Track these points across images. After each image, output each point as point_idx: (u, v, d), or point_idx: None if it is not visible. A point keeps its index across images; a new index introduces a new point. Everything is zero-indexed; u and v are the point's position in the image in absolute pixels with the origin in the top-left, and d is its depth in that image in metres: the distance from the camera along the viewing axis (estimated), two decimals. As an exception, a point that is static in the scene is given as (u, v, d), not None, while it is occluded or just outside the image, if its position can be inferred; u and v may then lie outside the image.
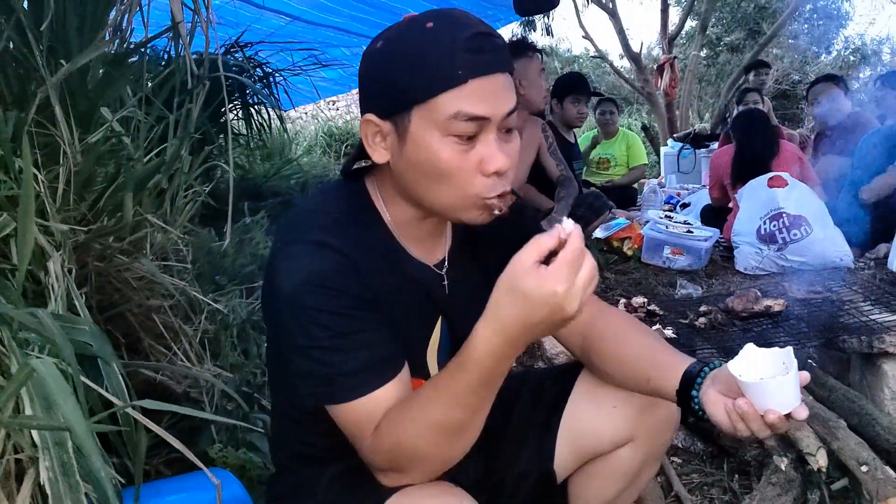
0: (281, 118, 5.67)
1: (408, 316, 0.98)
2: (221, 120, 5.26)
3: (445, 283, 1.04)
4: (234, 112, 5.26)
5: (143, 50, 2.11)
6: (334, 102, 12.36)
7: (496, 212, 0.93)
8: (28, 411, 0.82)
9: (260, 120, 5.31)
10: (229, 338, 2.35)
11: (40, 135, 1.79)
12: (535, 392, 1.19)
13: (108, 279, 1.92)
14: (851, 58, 14.64)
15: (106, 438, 1.13)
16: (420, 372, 1.01)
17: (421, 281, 1.01)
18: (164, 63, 3.11)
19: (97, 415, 0.92)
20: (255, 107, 5.24)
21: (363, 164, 1.02)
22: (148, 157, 2.18)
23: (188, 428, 1.94)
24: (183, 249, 2.38)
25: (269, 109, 5.32)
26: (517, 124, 2.70)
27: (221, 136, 5.05)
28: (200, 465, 1.05)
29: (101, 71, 2.02)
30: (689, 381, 0.96)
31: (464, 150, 0.87)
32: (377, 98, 0.90)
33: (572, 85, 4.00)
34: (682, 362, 0.99)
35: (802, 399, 0.84)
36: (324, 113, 11.94)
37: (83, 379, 0.96)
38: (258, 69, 5.19)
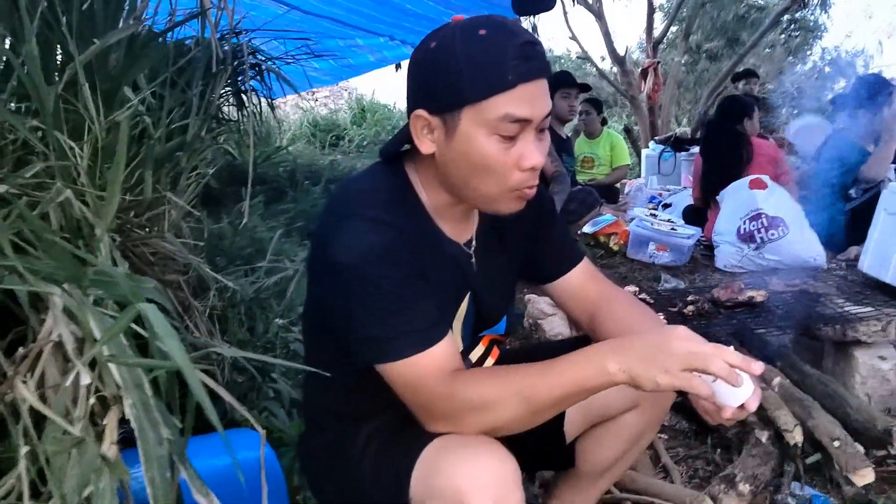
0: (271, 106, 5.72)
1: (443, 287, 1.08)
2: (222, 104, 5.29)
3: (473, 260, 1.14)
4: (226, 98, 5.30)
5: (168, 34, 2.17)
6: (314, 92, 12.35)
7: (525, 200, 1.04)
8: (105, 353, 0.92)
9: (251, 107, 5.36)
10: (237, 315, 2.43)
11: (66, 111, 1.86)
12: (549, 357, 1.30)
13: (126, 254, 2.00)
14: (827, 69, 14.99)
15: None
16: None
17: (454, 258, 1.11)
18: (181, 46, 3.17)
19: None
20: (246, 94, 5.29)
21: (405, 148, 1.12)
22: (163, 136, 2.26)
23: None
24: (187, 229, 2.46)
25: (260, 97, 5.37)
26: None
27: (215, 120, 5.10)
28: (248, 416, 1.15)
29: (125, 52, 2.09)
30: None
31: (506, 147, 0.96)
32: (430, 96, 0.99)
33: (560, 80, 4.14)
34: None
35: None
36: (306, 102, 11.93)
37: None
38: (251, 56, 5.24)
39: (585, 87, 4.45)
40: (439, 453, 0.96)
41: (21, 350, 0.88)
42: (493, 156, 0.97)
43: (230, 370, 2.13)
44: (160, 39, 2.20)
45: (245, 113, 5.42)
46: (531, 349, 1.40)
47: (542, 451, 1.29)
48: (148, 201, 2.06)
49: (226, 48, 2.44)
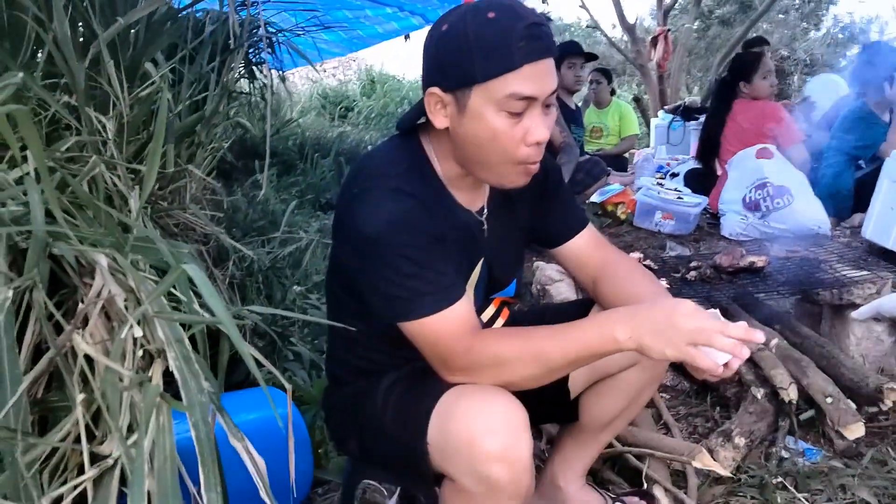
0: (283, 78, 5.77)
1: (458, 253, 1.16)
2: (225, 79, 5.33)
3: (485, 227, 1.22)
4: (238, 70, 5.35)
5: (185, 12, 2.24)
6: (323, 64, 12.34)
7: (532, 175, 1.11)
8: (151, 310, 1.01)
9: (262, 80, 5.41)
10: (255, 283, 2.53)
11: (91, 87, 1.94)
12: (556, 318, 1.38)
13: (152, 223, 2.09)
14: (840, 35, 14.81)
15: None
16: None
17: (467, 225, 1.19)
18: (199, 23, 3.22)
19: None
20: (258, 65, 5.34)
21: (421, 121, 1.19)
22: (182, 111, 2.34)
23: (228, 360, 2.13)
24: (204, 201, 2.55)
25: (270, 70, 5.41)
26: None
27: (227, 94, 5.15)
28: (277, 373, 1.24)
29: (145, 29, 2.16)
30: None
31: (513, 123, 1.03)
32: (442, 75, 1.06)
33: (566, 50, 4.16)
34: (663, 298, 1.18)
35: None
36: (315, 73, 11.92)
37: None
38: (261, 29, 5.27)
39: (592, 57, 4.47)
40: (455, 400, 1.04)
41: (79, 307, 0.97)
42: (500, 131, 1.04)
43: (251, 335, 2.23)
44: (178, 16, 2.26)
45: (256, 86, 5.48)
46: (540, 311, 1.49)
47: (548, 405, 1.37)
48: (170, 174, 2.15)
49: (238, 21, 2.49)
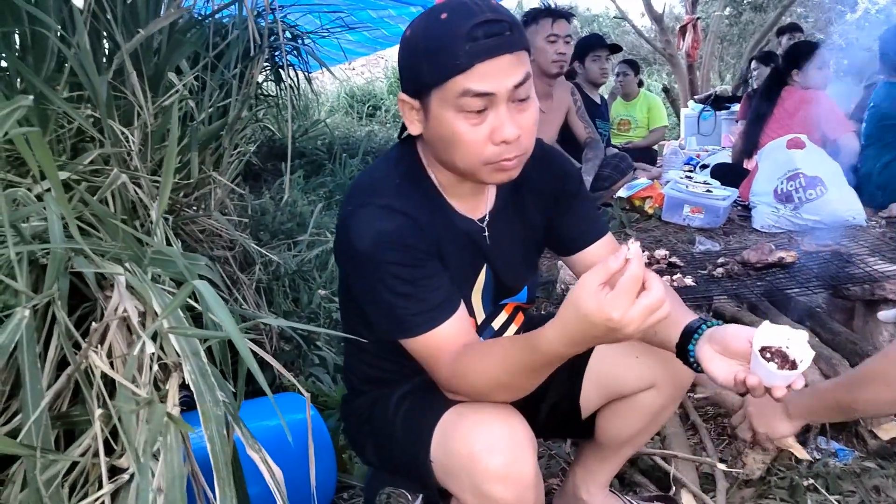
0: (309, 80, 5.81)
1: (459, 262, 1.15)
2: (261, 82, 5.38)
3: (486, 234, 1.19)
4: (264, 73, 5.40)
5: (207, 20, 2.26)
6: (350, 63, 12.41)
7: (511, 172, 1.06)
8: (169, 325, 1.02)
9: (289, 81, 5.46)
10: (281, 287, 2.55)
11: (115, 98, 1.97)
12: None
13: (177, 232, 2.12)
14: (878, 16, 14.41)
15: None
16: (467, 310, 1.19)
17: (467, 233, 1.17)
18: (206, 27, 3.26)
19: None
20: (283, 68, 5.38)
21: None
22: (206, 118, 2.36)
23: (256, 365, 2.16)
24: (231, 206, 2.58)
25: (297, 71, 5.46)
26: (546, 91, 2.85)
27: (254, 98, 5.21)
28: (293, 380, 1.25)
29: (167, 38, 2.19)
30: (687, 336, 1.07)
31: (476, 123, 1.00)
32: (405, 81, 1.06)
33: (590, 43, 4.12)
34: (685, 318, 1.09)
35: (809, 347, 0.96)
36: (343, 72, 11.99)
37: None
38: (286, 32, 5.31)
39: (616, 48, 4.42)
40: (457, 417, 1.04)
41: (94, 325, 0.99)
42: (462, 133, 1.00)
43: (277, 340, 2.25)
44: (200, 25, 2.29)
45: (283, 88, 5.52)
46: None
47: (561, 422, 1.35)
48: (195, 182, 2.18)
49: (262, 24, 2.51)
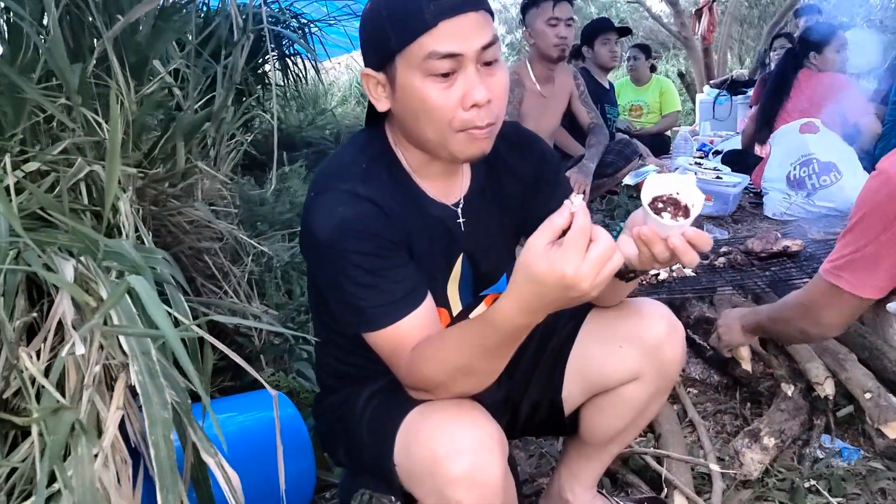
0: (316, 69, 5.75)
1: (431, 250, 1.09)
2: (259, 71, 5.36)
3: (461, 220, 1.13)
4: (271, 63, 5.35)
5: (189, 4, 2.20)
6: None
7: (483, 143, 1.00)
8: (116, 323, 0.97)
9: (296, 70, 5.41)
10: (274, 279, 2.50)
11: (97, 86, 1.92)
12: (549, 326, 1.26)
13: (163, 222, 2.07)
14: (902, -2, 14.03)
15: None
16: (441, 302, 1.12)
17: (440, 219, 1.11)
18: (203, 16, 3.20)
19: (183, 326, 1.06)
20: (291, 57, 5.33)
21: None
22: (192, 107, 2.31)
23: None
24: (227, 196, 2.53)
25: (305, 60, 5.40)
26: (547, 75, 2.75)
27: (259, 86, 5.17)
28: (260, 378, 1.20)
29: (151, 25, 2.14)
30: None
31: (445, 87, 0.95)
32: (369, 53, 1.01)
33: (599, 27, 4.02)
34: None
35: None
36: (357, 62, 11.92)
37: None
38: (293, 20, 5.26)
39: (625, 31, 4.31)
40: (419, 419, 0.98)
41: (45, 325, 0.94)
42: (431, 98, 0.95)
43: (267, 333, 2.20)
44: (184, 11, 2.23)
45: (290, 77, 5.45)
46: None
47: (542, 419, 1.29)
48: (181, 171, 2.12)
49: (245, 7, 2.43)
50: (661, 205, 0.92)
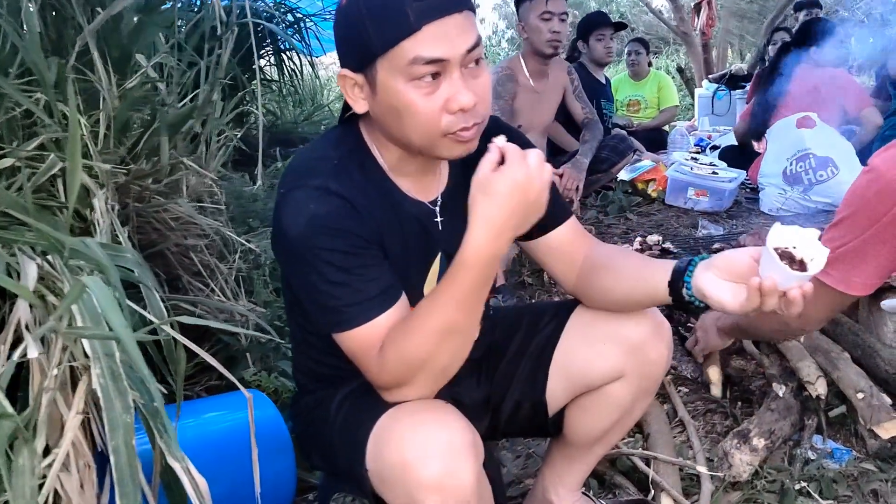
0: (312, 64, 5.71)
1: (407, 250, 1.06)
2: (254, 66, 5.31)
3: (439, 219, 1.10)
4: (266, 58, 5.31)
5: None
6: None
7: (469, 144, 0.99)
8: (80, 324, 0.94)
9: (291, 66, 5.36)
10: (262, 276, 2.47)
11: (80, 81, 1.89)
12: (532, 324, 1.25)
13: (148, 219, 2.04)
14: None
15: (151, 362, 1.25)
16: (417, 303, 1.09)
17: (417, 218, 1.08)
18: (195, 10, 3.17)
19: (139, 330, 1.03)
20: (287, 53, 5.28)
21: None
22: (182, 102, 2.28)
23: (225, 357, 2.08)
24: (217, 192, 2.49)
25: (300, 56, 5.36)
26: (541, 70, 2.69)
27: (254, 82, 5.13)
28: (233, 379, 1.17)
29: (134, 19, 2.10)
30: (680, 273, 1.02)
31: (429, 91, 0.92)
32: (346, 54, 0.97)
33: (593, 22, 3.98)
34: (671, 263, 1.06)
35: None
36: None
37: (127, 301, 1.08)
38: (288, 15, 5.21)
39: (621, 26, 4.27)
40: (390, 423, 0.96)
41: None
42: (415, 103, 0.93)
43: (254, 331, 2.17)
44: (168, 4, 2.20)
45: (285, 73, 5.41)
46: (517, 312, 1.36)
47: (527, 420, 1.27)
48: (166, 167, 2.09)
49: (233, 6, 2.39)
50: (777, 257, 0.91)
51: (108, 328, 0.89)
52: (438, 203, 1.10)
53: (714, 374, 1.82)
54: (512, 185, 0.89)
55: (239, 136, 2.84)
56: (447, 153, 0.99)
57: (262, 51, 5.28)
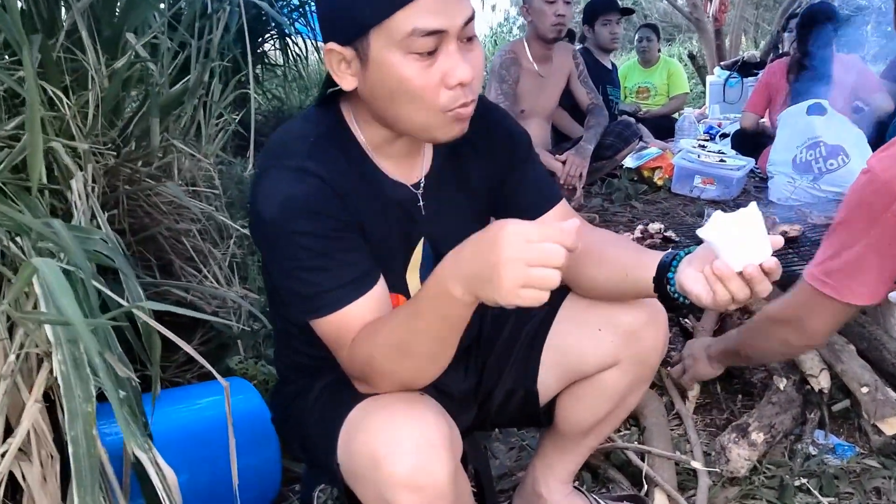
0: (317, 48, 5.64)
1: (388, 235, 1.02)
2: (259, 50, 5.26)
3: (422, 203, 1.05)
4: (272, 42, 5.26)
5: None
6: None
7: (465, 123, 0.94)
8: (43, 309, 0.90)
9: (296, 50, 5.30)
10: (257, 262, 2.43)
11: (69, 60, 1.85)
12: (523, 311, 1.20)
13: (139, 203, 2.00)
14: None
15: (130, 349, 1.22)
16: (399, 288, 1.04)
17: (399, 201, 1.03)
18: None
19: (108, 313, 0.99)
20: (292, 37, 5.23)
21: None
22: (175, 84, 2.24)
23: (218, 344, 2.05)
24: (214, 176, 2.45)
25: (306, 40, 5.30)
26: (544, 54, 2.64)
27: (259, 66, 5.07)
28: (210, 367, 1.13)
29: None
30: (664, 268, 0.97)
31: (426, 65, 0.87)
32: (336, 26, 0.91)
33: (600, 7, 3.91)
34: (658, 255, 1.00)
35: None
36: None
37: (97, 285, 1.04)
38: (293, -1, 5.16)
39: (628, 11, 4.19)
40: (361, 416, 0.92)
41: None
42: (412, 78, 0.87)
43: (246, 318, 2.13)
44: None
45: (289, 56, 5.37)
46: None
47: (518, 409, 1.22)
48: (156, 150, 2.05)
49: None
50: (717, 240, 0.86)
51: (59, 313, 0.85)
52: (422, 186, 1.05)
53: (692, 393, 1.72)
54: (486, 234, 0.76)
55: (238, 119, 2.78)
56: (443, 134, 0.94)
57: (267, 34, 5.22)
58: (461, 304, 0.80)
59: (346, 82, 0.93)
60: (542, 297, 0.75)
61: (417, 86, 0.87)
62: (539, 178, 1.16)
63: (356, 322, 0.91)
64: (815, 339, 1.36)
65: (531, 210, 1.13)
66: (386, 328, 0.88)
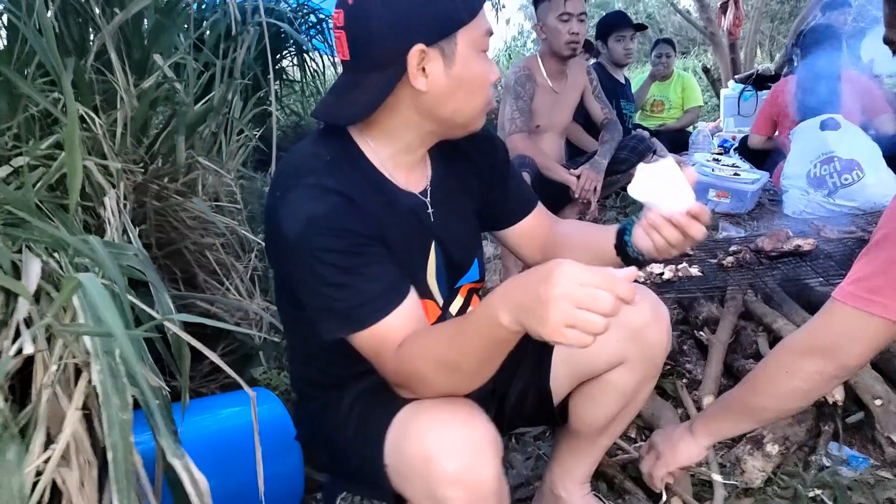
0: (335, 65, 5.73)
1: (406, 243, 1.06)
2: (277, 66, 5.33)
3: (431, 209, 1.11)
4: (290, 59, 5.35)
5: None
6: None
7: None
8: (81, 321, 0.95)
9: (314, 67, 5.39)
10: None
11: (100, 81, 1.92)
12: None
13: (166, 218, 2.06)
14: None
15: (161, 361, 1.26)
16: (425, 294, 1.09)
17: (412, 209, 1.08)
18: (214, 10, 3.20)
19: (139, 328, 1.04)
20: (309, 53, 5.31)
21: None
22: (199, 102, 2.30)
23: (241, 355, 2.10)
24: (236, 192, 2.51)
25: (323, 56, 5.39)
26: (559, 70, 2.69)
27: (277, 82, 5.15)
28: (237, 377, 1.17)
29: (153, 19, 2.13)
30: (622, 233, 1.11)
31: (488, 62, 1.01)
32: (424, 27, 0.95)
33: (613, 23, 3.95)
34: (618, 225, 1.14)
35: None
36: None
37: (131, 299, 1.09)
38: (311, 16, 5.25)
39: (641, 27, 4.23)
40: (411, 417, 0.94)
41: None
42: (484, 73, 1.01)
43: (268, 330, 2.18)
44: (185, 5, 2.22)
45: (307, 72, 5.45)
46: None
47: (533, 408, 1.26)
48: (182, 167, 2.11)
49: (248, 7, 2.40)
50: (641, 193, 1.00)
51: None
52: (428, 193, 1.11)
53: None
54: (543, 268, 0.77)
55: (258, 135, 2.85)
56: (478, 125, 1.07)
57: (285, 51, 5.32)
58: (507, 332, 0.82)
59: (420, 83, 0.98)
60: (585, 341, 0.75)
61: (486, 79, 1.01)
62: (518, 182, 1.27)
63: (395, 333, 0.94)
64: (852, 366, 1.18)
65: (515, 214, 1.25)
66: (433, 344, 0.91)
